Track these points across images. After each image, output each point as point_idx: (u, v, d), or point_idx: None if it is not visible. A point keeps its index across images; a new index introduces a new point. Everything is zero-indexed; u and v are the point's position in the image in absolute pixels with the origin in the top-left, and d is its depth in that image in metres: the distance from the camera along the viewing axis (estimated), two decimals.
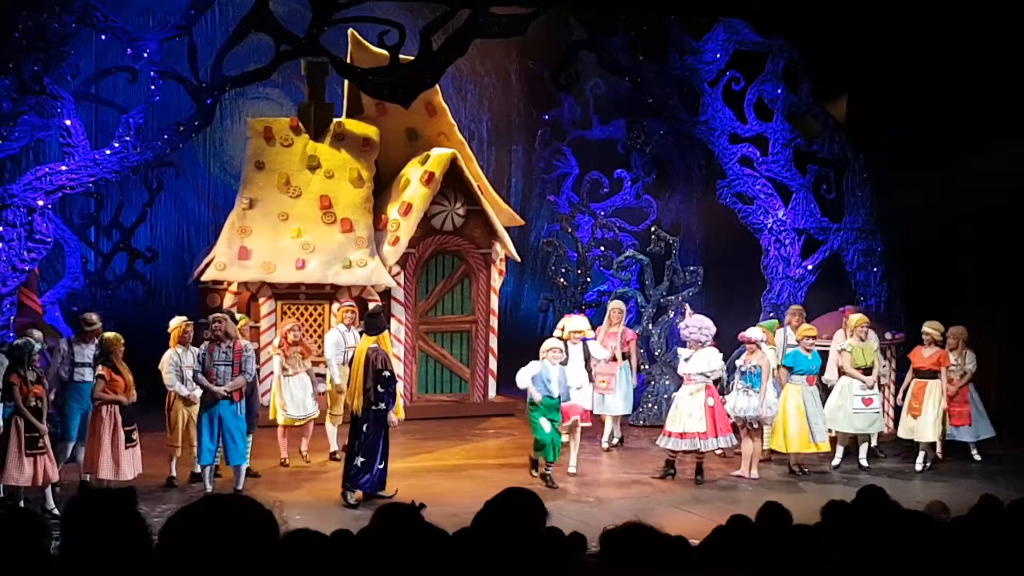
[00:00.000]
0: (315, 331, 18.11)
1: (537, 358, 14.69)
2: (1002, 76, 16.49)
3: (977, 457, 16.28)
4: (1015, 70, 16.38)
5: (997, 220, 17.15)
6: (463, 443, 17.27)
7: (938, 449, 16.04)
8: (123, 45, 17.27)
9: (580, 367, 15.40)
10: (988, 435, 16.40)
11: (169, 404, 14.46)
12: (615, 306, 17.29)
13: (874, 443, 16.35)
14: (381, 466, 13.73)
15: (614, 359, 16.75)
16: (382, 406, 13.65)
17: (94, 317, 14.31)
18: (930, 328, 16.01)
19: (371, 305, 16.14)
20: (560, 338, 15.28)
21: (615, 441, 16.99)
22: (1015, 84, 16.40)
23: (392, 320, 18.62)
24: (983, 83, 16.59)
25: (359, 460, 13.67)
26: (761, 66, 18.61)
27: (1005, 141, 16.04)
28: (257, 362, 17.37)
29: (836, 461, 15.98)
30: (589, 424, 16.01)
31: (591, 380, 15.95)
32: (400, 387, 18.47)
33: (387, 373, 13.71)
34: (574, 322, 15.86)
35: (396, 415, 13.96)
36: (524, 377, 14.61)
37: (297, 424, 15.51)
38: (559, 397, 14.61)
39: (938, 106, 17.10)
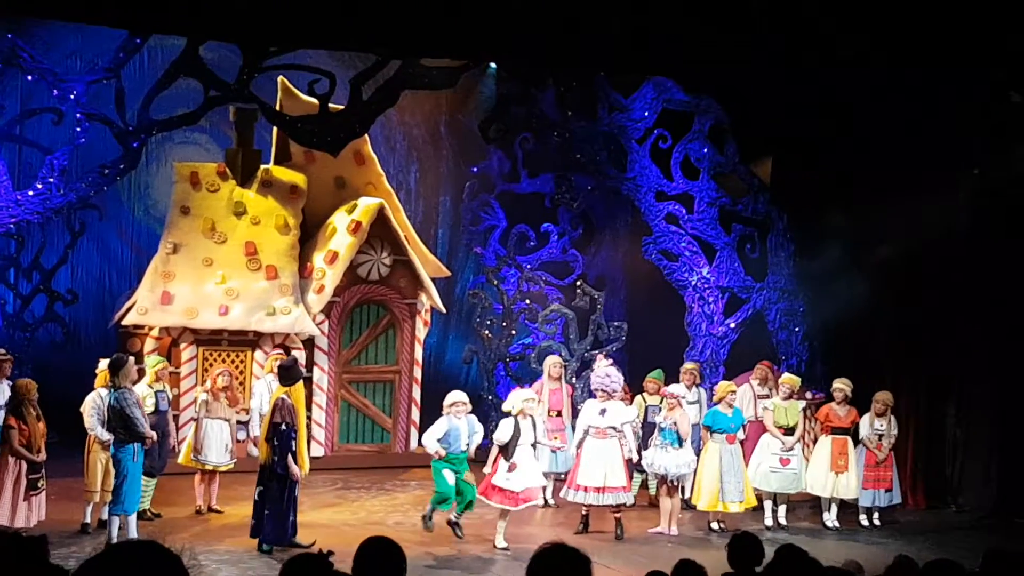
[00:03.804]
0: (237, 378, 17.95)
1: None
2: (924, 138, 16.70)
3: (877, 522, 16.30)
4: (935, 132, 16.61)
5: (918, 281, 17.34)
6: (383, 494, 17.15)
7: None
8: (50, 86, 17.15)
9: (529, 446, 14.45)
10: (898, 501, 16.56)
11: (88, 447, 14.10)
12: (554, 361, 17.08)
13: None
14: (292, 518, 13.53)
15: (559, 414, 16.71)
16: (275, 458, 13.41)
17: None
18: (843, 385, 16.14)
19: (290, 355, 15.69)
20: (510, 413, 14.47)
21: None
22: (934, 146, 16.62)
23: (315, 368, 18.55)
24: (906, 143, 16.78)
25: (265, 511, 13.52)
26: (688, 125, 18.79)
27: (925, 201, 16.25)
28: (176, 408, 17.25)
29: (768, 521, 15.93)
30: (542, 503, 15.41)
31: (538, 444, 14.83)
32: (321, 435, 18.46)
33: (283, 426, 13.42)
34: (523, 394, 14.81)
35: (299, 468, 13.55)
36: (431, 440, 14.09)
37: (219, 470, 15.29)
38: (465, 451, 14.23)
39: (861, 165, 17.31)
